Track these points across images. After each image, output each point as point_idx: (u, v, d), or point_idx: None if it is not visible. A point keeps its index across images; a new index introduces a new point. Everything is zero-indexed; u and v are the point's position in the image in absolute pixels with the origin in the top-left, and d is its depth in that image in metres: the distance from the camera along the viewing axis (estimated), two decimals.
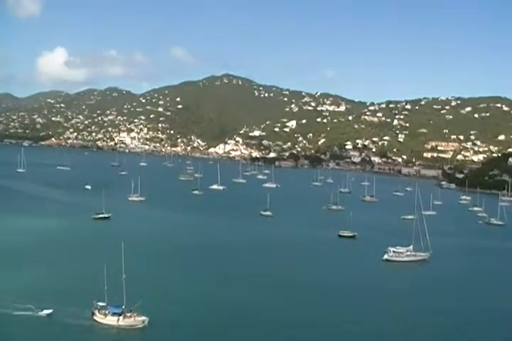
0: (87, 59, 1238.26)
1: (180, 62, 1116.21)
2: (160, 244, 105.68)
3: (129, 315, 61.50)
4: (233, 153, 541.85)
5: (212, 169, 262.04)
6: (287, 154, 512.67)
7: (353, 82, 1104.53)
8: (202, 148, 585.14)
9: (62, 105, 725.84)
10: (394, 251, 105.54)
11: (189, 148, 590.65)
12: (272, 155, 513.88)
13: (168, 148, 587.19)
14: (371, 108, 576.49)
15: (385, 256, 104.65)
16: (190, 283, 79.58)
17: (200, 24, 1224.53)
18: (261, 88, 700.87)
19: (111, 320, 61.11)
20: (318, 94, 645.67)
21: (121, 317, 61.19)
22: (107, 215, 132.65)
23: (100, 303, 61.85)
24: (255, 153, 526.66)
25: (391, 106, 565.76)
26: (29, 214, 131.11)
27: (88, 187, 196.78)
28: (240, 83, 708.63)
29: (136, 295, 61.92)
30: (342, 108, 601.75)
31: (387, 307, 74.63)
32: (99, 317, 61.44)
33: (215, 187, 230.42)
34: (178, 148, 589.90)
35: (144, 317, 61.36)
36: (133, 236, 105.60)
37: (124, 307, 61.56)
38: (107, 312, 61.56)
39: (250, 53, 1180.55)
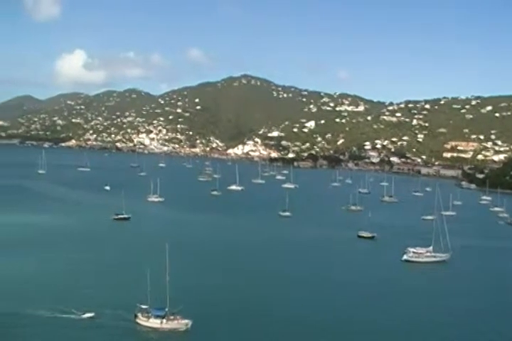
0: (106, 61, 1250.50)
1: (198, 63, 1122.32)
2: (187, 245, 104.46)
3: (172, 317, 60.80)
4: (252, 154, 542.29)
5: (231, 170, 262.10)
6: (306, 154, 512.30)
7: (371, 82, 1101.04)
8: (221, 149, 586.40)
9: (82, 107, 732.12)
10: (413, 252, 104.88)
11: (208, 148, 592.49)
12: (291, 155, 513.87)
13: (187, 149, 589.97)
14: (390, 108, 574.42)
15: (405, 257, 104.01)
16: (228, 284, 79.33)
17: (217, 25, 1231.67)
18: (279, 88, 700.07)
19: (154, 323, 60.43)
20: (337, 94, 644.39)
21: (164, 320, 60.53)
22: (126, 216, 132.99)
23: (143, 306, 61.20)
24: (274, 154, 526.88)
25: (410, 106, 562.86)
26: (49, 215, 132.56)
27: (107, 188, 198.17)
28: (259, 84, 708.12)
29: (178, 297, 61.55)
30: (361, 108, 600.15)
31: (406, 308, 74.26)
32: (141, 320, 60.80)
33: (233, 187, 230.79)
34: (197, 149, 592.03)
35: (187, 320, 60.52)
36: (159, 238, 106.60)
37: (167, 309, 60.92)
38: (149, 314, 60.95)
39: (268, 54, 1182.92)
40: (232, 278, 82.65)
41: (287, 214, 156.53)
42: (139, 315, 61.23)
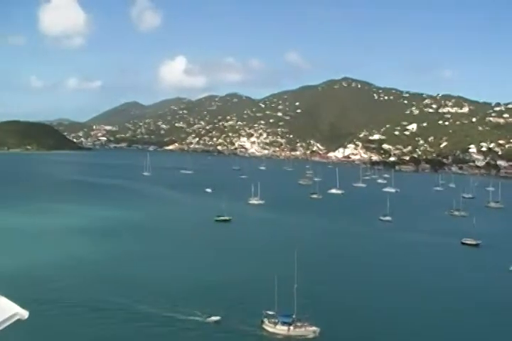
0: (206, 66, 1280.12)
1: (297, 66, 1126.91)
2: (296, 249, 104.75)
3: (299, 324, 60.14)
4: (353, 157, 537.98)
5: (332, 173, 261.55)
6: (408, 158, 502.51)
7: (476, 82, 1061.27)
8: (321, 152, 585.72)
9: (185, 111, 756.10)
10: None
11: (308, 152, 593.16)
12: (392, 159, 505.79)
13: (288, 152, 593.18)
14: (497, 108, 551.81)
15: None
16: (353, 291, 79.15)
17: (315, 28, 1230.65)
18: (380, 91, 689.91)
19: (281, 330, 59.89)
20: (440, 95, 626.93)
21: (291, 327, 59.92)
22: (227, 218, 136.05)
23: (269, 312, 60.74)
24: (375, 157, 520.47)
25: None
26: (155, 214, 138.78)
27: (208, 190, 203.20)
28: (359, 86, 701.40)
29: (305, 304, 61.18)
30: (465, 109, 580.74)
31: None
32: (268, 326, 60.29)
33: (333, 191, 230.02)
34: (298, 152, 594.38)
35: (314, 328, 59.64)
36: (265, 241, 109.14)
37: (294, 316, 60.48)
38: (276, 321, 60.41)
39: (368, 55, 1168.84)
40: (348, 284, 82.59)
41: (388, 218, 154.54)
42: (266, 321, 60.79)
